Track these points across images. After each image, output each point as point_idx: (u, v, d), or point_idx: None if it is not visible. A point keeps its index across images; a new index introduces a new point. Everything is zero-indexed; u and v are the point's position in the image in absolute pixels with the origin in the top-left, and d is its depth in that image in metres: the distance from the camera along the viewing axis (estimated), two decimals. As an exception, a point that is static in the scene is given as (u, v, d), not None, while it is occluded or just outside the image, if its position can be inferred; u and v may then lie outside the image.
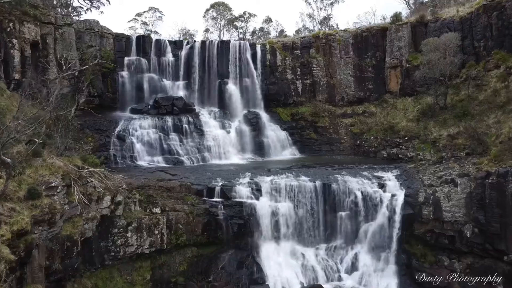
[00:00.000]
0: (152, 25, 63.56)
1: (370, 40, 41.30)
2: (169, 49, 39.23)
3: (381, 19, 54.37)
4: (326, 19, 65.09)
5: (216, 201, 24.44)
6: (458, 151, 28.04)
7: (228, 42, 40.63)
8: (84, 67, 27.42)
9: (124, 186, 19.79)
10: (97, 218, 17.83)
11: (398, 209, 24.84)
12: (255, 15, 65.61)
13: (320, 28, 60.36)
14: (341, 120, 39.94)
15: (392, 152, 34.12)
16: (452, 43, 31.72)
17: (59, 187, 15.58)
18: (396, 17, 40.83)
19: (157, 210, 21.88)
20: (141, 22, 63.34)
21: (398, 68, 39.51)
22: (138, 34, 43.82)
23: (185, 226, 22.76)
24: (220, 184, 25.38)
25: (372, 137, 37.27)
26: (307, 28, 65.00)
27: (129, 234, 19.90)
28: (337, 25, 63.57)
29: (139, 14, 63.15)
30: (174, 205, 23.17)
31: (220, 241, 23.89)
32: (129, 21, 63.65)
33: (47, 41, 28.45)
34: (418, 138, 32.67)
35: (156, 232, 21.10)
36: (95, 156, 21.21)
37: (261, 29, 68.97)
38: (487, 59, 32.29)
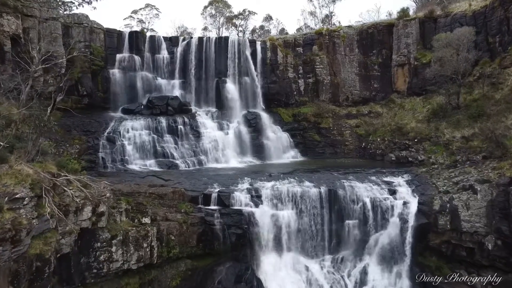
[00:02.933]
0: (149, 22, 61.86)
1: (376, 37, 39.47)
2: (164, 46, 37.31)
3: (386, 16, 52.46)
4: (328, 17, 63.52)
5: (212, 209, 22.42)
6: (473, 154, 26.01)
7: (226, 38, 38.57)
8: (60, 60, 25.14)
9: (108, 194, 17.66)
10: (75, 232, 15.69)
11: (411, 218, 22.76)
12: (255, 13, 64.27)
13: (322, 26, 58.39)
14: (346, 121, 38.06)
15: (401, 155, 32.04)
16: (466, 38, 29.67)
17: (27, 198, 13.38)
18: (404, 12, 38.87)
19: (146, 220, 19.87)
20: (137, 19, 61.74)
21: (406, 66, 37.60)
22: (130, 30, 41.73)
23: (178, 237, 20.76)
24: (217, 190, 23.41)
25: (378, 139, 35.26)
26: (309, 26, 63.43)
27: (113, 249, 17.78)
28: (339, 23, 61.88)
29: (135, 12, 61.59)
30: (166, 213, 21.26)
31: (217, 252, 21.88)
32: (125, 19, 62.00)
33: (30, 35, 26.30)
34: (429, 140, 30.73)
35: (145, 245, 18.99)
36: (75, 160, 19.03)
37: (261, 27, 67.37)
38: (503, 56, 30.48)
